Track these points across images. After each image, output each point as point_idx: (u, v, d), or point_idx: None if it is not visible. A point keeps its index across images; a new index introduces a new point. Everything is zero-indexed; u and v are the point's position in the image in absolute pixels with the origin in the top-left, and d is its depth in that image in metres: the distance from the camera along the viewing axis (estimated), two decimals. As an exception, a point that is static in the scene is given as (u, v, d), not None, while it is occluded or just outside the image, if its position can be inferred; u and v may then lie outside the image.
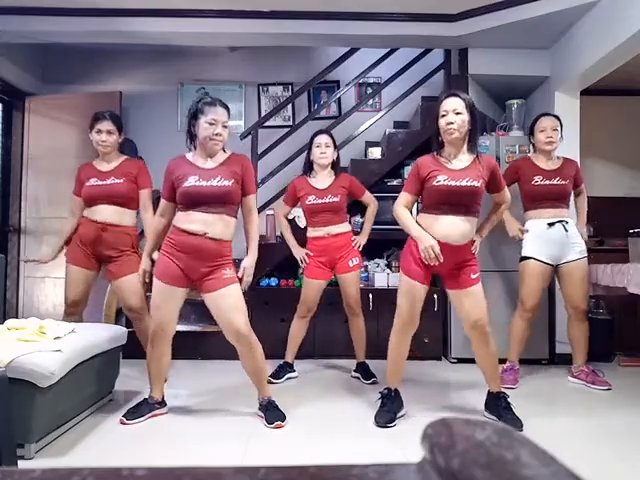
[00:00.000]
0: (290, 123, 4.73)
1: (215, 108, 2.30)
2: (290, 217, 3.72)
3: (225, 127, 2.32)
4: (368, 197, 3.24)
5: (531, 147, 3.34)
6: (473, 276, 2.35)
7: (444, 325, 3.73)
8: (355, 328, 3.18)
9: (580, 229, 3.16)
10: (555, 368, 3.46)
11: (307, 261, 3.11)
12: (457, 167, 2.32)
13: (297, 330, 3.20)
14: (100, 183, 2.82)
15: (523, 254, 3.11)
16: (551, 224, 3.05)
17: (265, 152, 4.06)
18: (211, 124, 2.28)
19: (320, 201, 3.06)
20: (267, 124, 4.32)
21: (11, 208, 4.44)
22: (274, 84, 4.89)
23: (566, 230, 3.05)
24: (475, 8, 3.51)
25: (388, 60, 4.27)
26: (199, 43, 4.06)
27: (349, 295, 3.11)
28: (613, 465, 1.94)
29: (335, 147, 3.14)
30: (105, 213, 2.81)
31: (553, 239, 3.04)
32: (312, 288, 3.10)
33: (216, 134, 2.29)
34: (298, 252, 3.17)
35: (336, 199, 3.06)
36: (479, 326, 2.34)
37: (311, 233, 3.15)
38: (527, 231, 3.10)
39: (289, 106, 4.73)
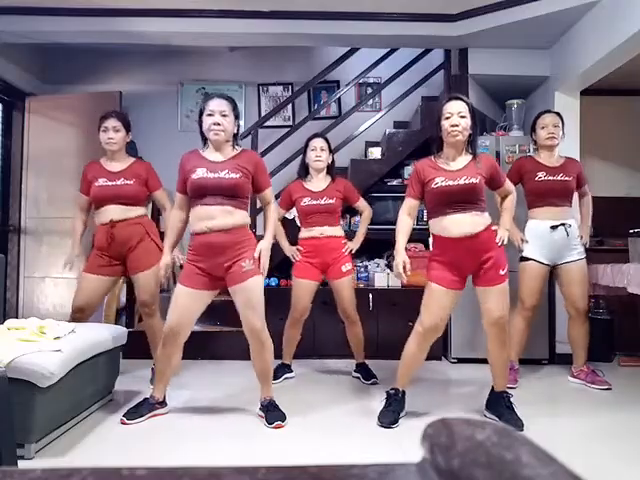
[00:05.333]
0: (290, 123, 4.73)
1: (213, 100, 2.33)
2: (290, 217, 3.71)
3: (224, 116, 2.31)
4: (362, 204, 3.20)
5: (531, 146, 3.33)
6: (502, 272, 2.35)
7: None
8: (351, 333, 3.13)
9: (582, 234, 3.12)
10: (555, 368, 3.46)
11: (298, 256, 3.05)
12: (454, 168, 2.34)
13: (291, 334, 3.15)
14: (110, 184, 2.79)
15: (524, 255, 3.11)
16: (554, 227, 3.05)
17: (265, 152, 4.06)
18: (209, 115, 2.31)
19: (315, 202, 3.02)
20: (267, 124, 4.32)
21: (11, 208, 4.43)
22: (274, 84, 4.89)
23: (568, 234, 3.04)
24: (475, 8, 3.50)
25: (388, 60, 4.27)
26: (199, 43, 4.06)
27: (344, 299, 3.03)
28: (613, 465, 1.94)
29: (330, 151, 3.11)
30: (112, 213, 2.79)
31: (554, 242, 3.04)
32: (303, 289, 3.03)
33: (214, 123, 2.29)
34: (289, 250, 3.12)
35: (331, 201, 3.03)
36: (500, 323, 2.36)
37: (304, 234, 3.10)
38: (527, 242, 3.08)
39: (289, 106, 4.73)
